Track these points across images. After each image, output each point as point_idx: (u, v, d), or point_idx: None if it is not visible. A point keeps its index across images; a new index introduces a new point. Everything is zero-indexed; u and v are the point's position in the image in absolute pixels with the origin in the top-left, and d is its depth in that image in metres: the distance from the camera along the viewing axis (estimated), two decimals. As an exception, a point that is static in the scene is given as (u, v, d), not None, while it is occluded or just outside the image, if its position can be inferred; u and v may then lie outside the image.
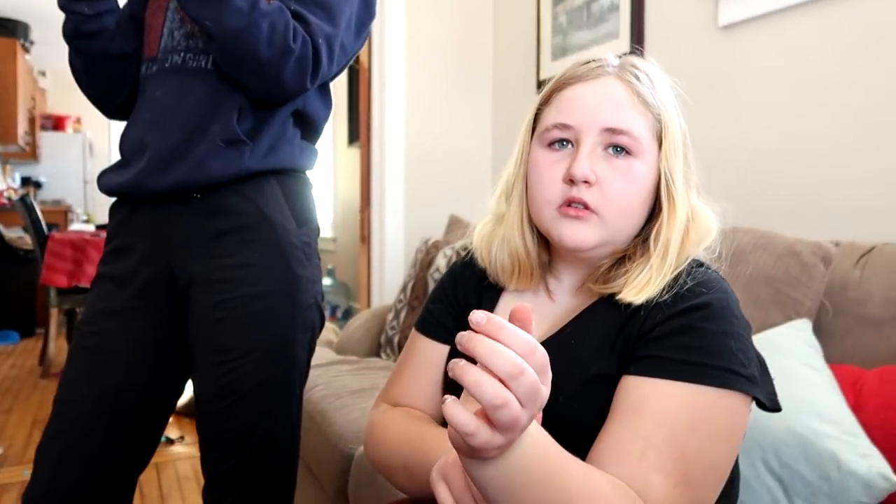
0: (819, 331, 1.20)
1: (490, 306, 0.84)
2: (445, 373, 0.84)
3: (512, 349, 0.46)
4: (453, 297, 0.87)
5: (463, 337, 0.47)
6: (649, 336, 0.68)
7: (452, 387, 0.82)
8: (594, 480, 0.58)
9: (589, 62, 0.76)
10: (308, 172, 1.19)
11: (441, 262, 2.16)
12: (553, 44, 2.46)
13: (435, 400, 0.85)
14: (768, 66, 1.67)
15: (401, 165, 2.78)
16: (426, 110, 2.80)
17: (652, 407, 0.63)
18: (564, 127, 0.73)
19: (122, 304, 1.08)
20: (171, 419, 2.95)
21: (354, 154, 4.34)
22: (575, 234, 0.72)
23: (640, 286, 0.70)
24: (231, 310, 1.04)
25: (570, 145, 0.74)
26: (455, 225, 2.50)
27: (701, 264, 0.73)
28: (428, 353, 0.86)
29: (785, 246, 1.27)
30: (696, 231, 0.73)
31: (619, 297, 0.70)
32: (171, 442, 2.71)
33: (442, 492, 0.60)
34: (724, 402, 0.64)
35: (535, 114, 0.79)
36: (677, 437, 0.62)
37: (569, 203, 0.72)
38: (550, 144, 0.75)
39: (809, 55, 1.57)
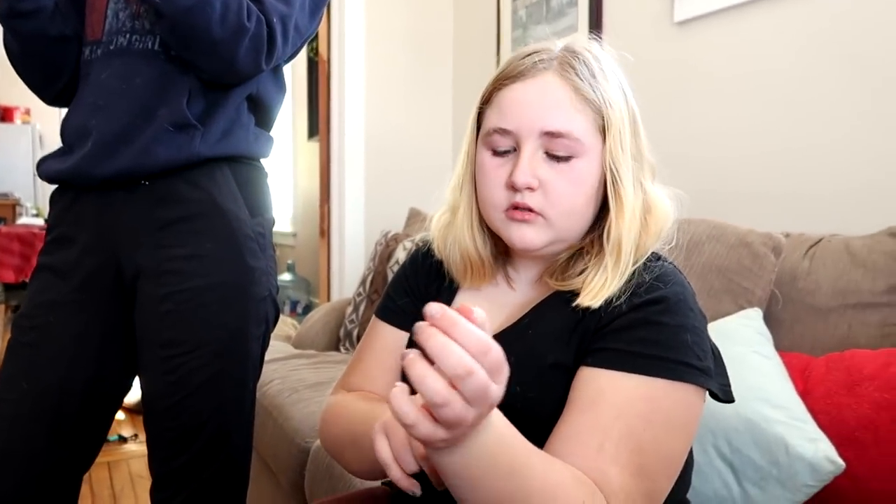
0: (770, 319, 1.23)
1: (448, 298, 0.83)
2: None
3: (465, 347, 0.45)
4: (414, 284, 0.86)
5: (418, 328, 0.46)
6: (607, 329, 0.68)
7: None
8: (556, 472, 0.58)
9: (530, 55, 0.74)
10: (263, 161, 1.17)
11: (401, 255, 2.15)
12: (513, 37, 2.46)
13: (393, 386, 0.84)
14: (722, 62, 1.70)
15: (360, 158, 2.75)
16: (386, 103, 2.77)
17: (609, 399, 0.63)
18: (504, 132, 0.72)
19: (63, 296, 1.03)
20: (124, 416, 2.91)
21: (314, 148, 4.28)
22: (523, 237, 0.72)
23: (597, 290, 0.69)
24: (181, 302, 1.00)
25: (513, 150, 0.73)
26: (415, 218, 2.48)
27: (658, 257, 0.74)
28: (387, 340, 0.85)
29: (737, 237, 1.30)
30: (654, 222, 0.72)
31: (577, 302, 0.70)
32: (123, 440, 2.64)
33: (381, 445, 0.59)
34: (679, 394, 0.64)
35: (479, 111, 0.77)
36: (633, 429, 0.62)
37: (514, 207, 0.72)
38: (495, 151, 0.74)
39: (762, 51, 1.60)
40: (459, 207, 0.80)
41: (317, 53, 2.87)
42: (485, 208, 0.76)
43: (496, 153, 0.74)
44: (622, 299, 0.68)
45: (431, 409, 0.46)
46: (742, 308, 1.23)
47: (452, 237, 0.80)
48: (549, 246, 0.73)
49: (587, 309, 0.69)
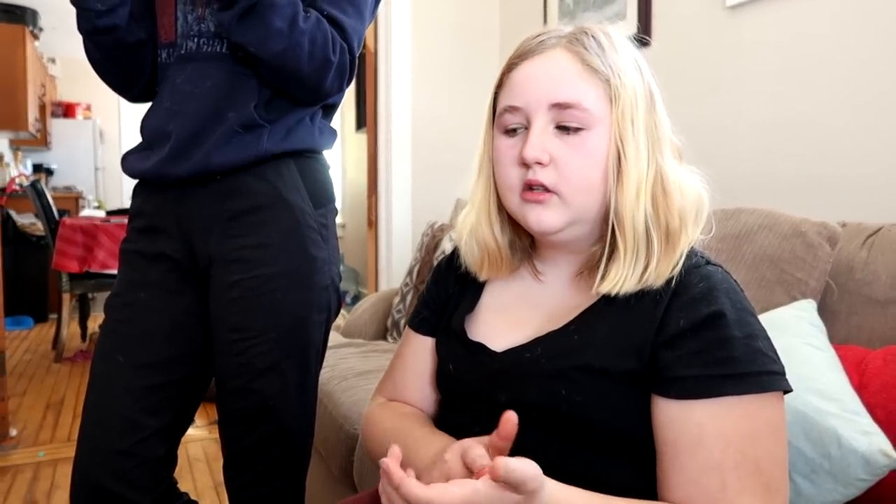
0: (824, 311, 1.20)
1: (474, 296, 0.84)
2: (436, 363, 0.86)
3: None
4: (435, 293, 0.90)
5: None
6: (672, 352, 0.66)
7: (443, 379, 0.84)
8: None
9: (538, 35, 0.74)
10: (325, 153, 1.20)
11: (447, 246, 2.17)
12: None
13: (424, 391, 0.88)
14: (775, 47, 1.65)
15: (407, 150, 2.78)
16: (432, 94, 2.79)
17: (711, 431, 0.63)
18: (514, 109, 0.72)
19: (150, 280, 1.10)
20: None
21: (362, 140, 4.33)
22: (540, 218, 0.71)
23: (612, 273, 0.69)
24: (247, 289, 1.06)
25: (524, 127, 0.72)
26: (461, 209, 2.49)
27: (708, 261, 0.71)
28: (415, 346, 0.89)
29: (790, 226, 1.26)
30: (672, 201, 0.69)
31: (596, 288, 0.70)
32: (181, 424, 2.74)
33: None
34: (771, 401, 0.64)
35: (494, 98, 0.77)
36: (745, 452, 0.62)
37: (529, 186, 0.71)
38: (507, 130, 0.74)
39: (816, 35, 1.55)
40: (477, 195, 0.80)
41: (364, 46, 2.90)
42: (502, 192, 0.76)
43: (508, 132, 0.74)
44: (671, 299, 0.67)
45: None
46: (795, 299, 1.20)
47: (469, 227, 0.81)
48: (568, 228, 0.72)
49: (628, 303, 0.69)
